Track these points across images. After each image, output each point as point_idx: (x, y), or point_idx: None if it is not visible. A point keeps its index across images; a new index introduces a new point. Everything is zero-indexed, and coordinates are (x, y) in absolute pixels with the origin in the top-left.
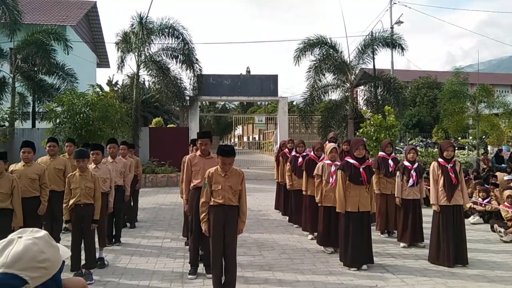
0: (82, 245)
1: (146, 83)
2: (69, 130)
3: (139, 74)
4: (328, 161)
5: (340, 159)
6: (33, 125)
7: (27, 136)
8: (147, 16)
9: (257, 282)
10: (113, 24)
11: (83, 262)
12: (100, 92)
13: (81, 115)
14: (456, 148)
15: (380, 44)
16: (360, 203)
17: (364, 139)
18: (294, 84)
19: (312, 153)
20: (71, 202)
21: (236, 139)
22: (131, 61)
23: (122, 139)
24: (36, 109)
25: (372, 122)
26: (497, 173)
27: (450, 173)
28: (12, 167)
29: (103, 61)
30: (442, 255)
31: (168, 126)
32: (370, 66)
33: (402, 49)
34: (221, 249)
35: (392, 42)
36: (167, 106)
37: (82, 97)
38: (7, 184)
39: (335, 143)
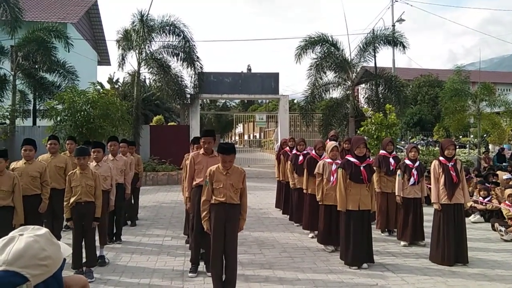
0: (83, 243)
1: (147, 81)
2: (70, 128)
3: (140, 72)
4: (329, 160)
5: (341, 158)
6: (34, 123)
7: (28, 134)
8: (148, 14)
9: (258, 280)
10: (114, 21)
11: (84, 260)
12: (101, 90)
13: (82, 113)
14: (457, 147)
15: (381, 42)
16: (361, 202)
17: (365, 137)
18: (295, 82)
19: (313, 151)
20: (72, 200)
21: (237, 137)
22: (132, 59)
23: (123, 137)
24: (37, 107)
25: (373, 121)
26: (498, 172)
27: (451, 172)
28: (13, 164)
29: (104, 59)
30: (442, 254)
31: (169, 124)
32: (371, 64)
33: (404, 47)
34: (222, 247)
35: (394, 40)
36: (168, 104)
37: (83, 95)
38: (8, 182)
39: (336, 142)
